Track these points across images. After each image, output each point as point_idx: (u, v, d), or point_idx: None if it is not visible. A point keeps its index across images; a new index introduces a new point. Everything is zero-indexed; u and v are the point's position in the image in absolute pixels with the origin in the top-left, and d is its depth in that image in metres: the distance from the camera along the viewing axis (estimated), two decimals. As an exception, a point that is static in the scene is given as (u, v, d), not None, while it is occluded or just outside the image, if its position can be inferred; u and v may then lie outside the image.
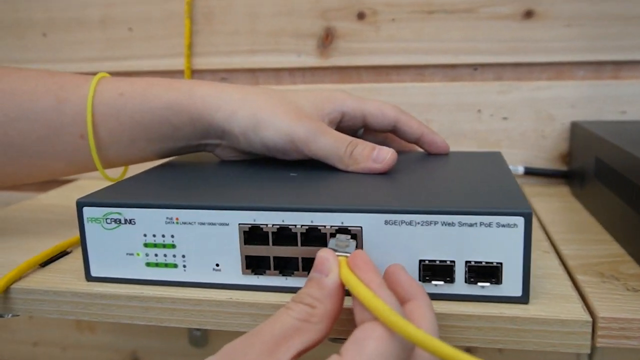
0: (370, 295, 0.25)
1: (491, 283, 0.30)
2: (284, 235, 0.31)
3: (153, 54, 0.63)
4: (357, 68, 0.60)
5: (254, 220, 0.31)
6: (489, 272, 0.30)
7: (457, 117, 0.58)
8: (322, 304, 0.26)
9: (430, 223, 0.30)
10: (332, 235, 0.31)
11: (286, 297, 0.29)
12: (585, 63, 0.56)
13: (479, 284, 0.30)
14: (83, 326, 0.74)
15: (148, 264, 0.34)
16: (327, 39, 0.59)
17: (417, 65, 0.59)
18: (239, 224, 0.32)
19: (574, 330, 0.29)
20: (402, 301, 0.27)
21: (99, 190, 0.36)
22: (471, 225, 0.30)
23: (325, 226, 0.31)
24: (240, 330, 0.32)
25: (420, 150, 0.47)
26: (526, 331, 0.29)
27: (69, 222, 0.47)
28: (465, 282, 0.30)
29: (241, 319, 0.32)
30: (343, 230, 0.31)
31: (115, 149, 0.41)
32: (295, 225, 0.31)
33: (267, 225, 0.31)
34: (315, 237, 0.31)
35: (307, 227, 0.31)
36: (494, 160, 0.43)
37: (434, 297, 0.31)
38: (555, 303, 0.30)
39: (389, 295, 0.25)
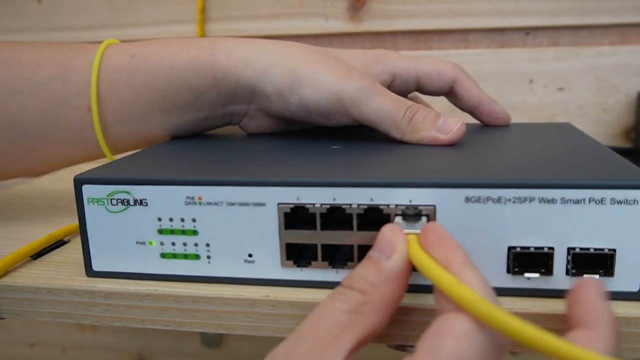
0: (450, 278, 0.21)
1: (600, 275, 0.26)
2: (335, 217, 0.27)
3: (162, 20, 0.61)
4: (393, 33, 0.57)
5: (298, 199, 0.27)
6: (597, 262, 0.26)
7: (506, 88, 0.55)
8: (377, 289, 0.23)
9: (524, 200, 0.25)
10: (398, 216, 0.26)
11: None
12: (655, 25, 0.53)
13: (585, 276, 0.26)
14: (84, 325, 0.73)
15: (163, 255, 0.30)
16: (358, 1, 0.56)
17: (460, 29, 0.56)
18: (279, 203, 0.28)
19: None
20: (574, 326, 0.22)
21: (102, 165, 0.32)
22: (577, 202, 0.25)
23: (388, 205, 0.26)
24: (278, 336, 0.28)
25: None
26: (647, 336, 0.25)
27: (67, 208, 0.44)
28: (567, 274, 0.26)
29: (280, 322, 0.28)
30: (411, 209, 0.26)
31: (127, 124, 0.38)
32: (350, 205, 0.27)
33: (314, 204, 0.27)
34: (376, 219, 0.27)
35: (365, 206, 0.27)
36: (569, 131, 0.39)
37: (527, 293, 0.27)
38: (678, 300, 0.26)
39: (475, 277, 0.22)
